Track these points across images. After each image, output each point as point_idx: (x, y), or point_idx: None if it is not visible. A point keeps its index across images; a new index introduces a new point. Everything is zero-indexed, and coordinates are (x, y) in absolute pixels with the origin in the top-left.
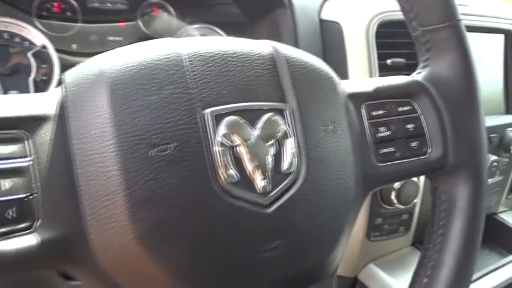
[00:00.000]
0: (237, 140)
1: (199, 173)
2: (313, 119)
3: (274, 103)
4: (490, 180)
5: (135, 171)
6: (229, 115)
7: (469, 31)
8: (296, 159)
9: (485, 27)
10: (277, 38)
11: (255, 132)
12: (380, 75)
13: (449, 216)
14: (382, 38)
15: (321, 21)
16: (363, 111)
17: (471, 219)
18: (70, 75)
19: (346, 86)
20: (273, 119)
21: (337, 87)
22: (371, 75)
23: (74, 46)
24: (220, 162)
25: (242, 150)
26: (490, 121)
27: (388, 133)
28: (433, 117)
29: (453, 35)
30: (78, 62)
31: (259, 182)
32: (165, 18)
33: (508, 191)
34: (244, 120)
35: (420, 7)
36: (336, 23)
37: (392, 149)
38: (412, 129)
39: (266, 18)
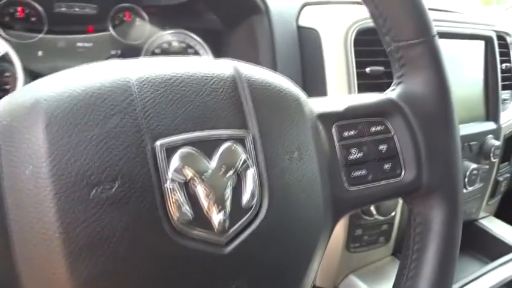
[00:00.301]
0: (190, 174)
1: (148, 213)
2: (276, 147)
3: (234, 131)
4: (470, 188)
5: (74, 214)
6: (183, 146)
7: (449, 38)
8: (257, 191)
9: (466, 33)
10: (254, 44)
11: (212, 164)
12: (359, 84)
13: (423, 240)
14: (360, 45)
15: (299, 27)
16: (334, 132)
17: (446, 244)
18: (3, 103)
19: (315, 106)
20: (232, 148)
21: (305, 109)
22: (349, 84)
23: (40, 53)
24: (172, 200)
25: (197, 185)
26: (470, 128)
27: (360, 155)
28: (406, 137)
29: (427, 52)
30: (44, 71)
31: (216, 219)
32: (138, 23)
33: (488, 197)
34: (199, 152)
35: (393, 22)
36: (314, 30)
37: (364, 172)
38: (385, 150)
39: (243, 25)
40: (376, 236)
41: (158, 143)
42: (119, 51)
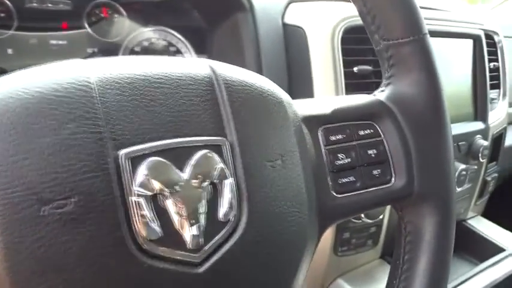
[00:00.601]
0: (159, 186)
1: (110, 232)
2: (257, 155)
3: (209, 137)
4: (459, 188)
5: (21, 236)
6: (151, 156)
7: (438, 36)
8: (235, 203)
9: (454, 32)
10: (238, 43)
11: (184, 175)
12: (346, 84)
13: (414, 250)
14: (348, 44)
15: (285, 25)
16: (320, 136)
17: (438, 255)
18: None
19: (300, 108)
20: (208, 156)
21: (288, 112)
22: (337, 83)
23: (10, 51)
24: (138, 216)
25: (167, 199)
26: (459, 128)
27: (347, 160)
28: (397, 141)
29: (418, 51)
30: (15, 70)
31: (189, 235)
32: (116, 20)
33: (476, 197)
34: (170, 162)
35: (382, 19)
36: (300, 27)
37: (352, 178)
38: (374, 155)
39: (226, 22)
40: (364, 239)
41: (122, 152)
42: (96, 50)
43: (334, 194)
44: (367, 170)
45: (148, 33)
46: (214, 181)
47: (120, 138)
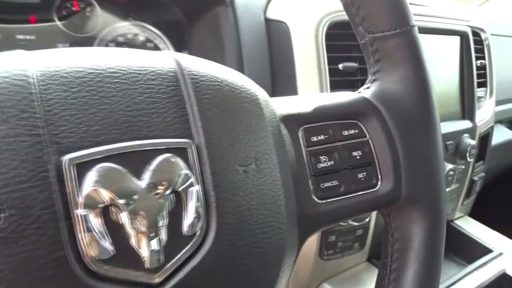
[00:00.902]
0: (111, 197)
1: (50, 253)
2: (228, 159)
3: (173, 140)
4: (447, 189)
5: None
6: (102, 162)
7: (424, 33)
8: (202, 214)
9: (441, 29)
10: (218, 38)
11: (142, 183)
12: (331, 81)
13: (402, 259)
14: (333, 40)
15: (267, 20)
16: (301, 137)
17: (427, 263)
18: None
19: (279, 107)
20: (170, 161)
21: (264, 111)
22: (321, 81)
23: None
24: (84, 232)
25: (120, 211)
26: (446, 127)
27: (330, 163)
28: (383, 142)
29: (405, 44)
30: None
31: (147, 253)
32: (88, 14)
33: (463, 197)
34: (125, 168)
35: (367, 10)
36: (283, 22)
37: (335, 183)
38: (359, 157)
39: (205, 17)
40: (350, 242)
41: (66, 158)
42: (67, 45)
43: (316, 199)
44: (352, 174)
45: (123, 28)
46: (178, 189)
47: (64, 142)
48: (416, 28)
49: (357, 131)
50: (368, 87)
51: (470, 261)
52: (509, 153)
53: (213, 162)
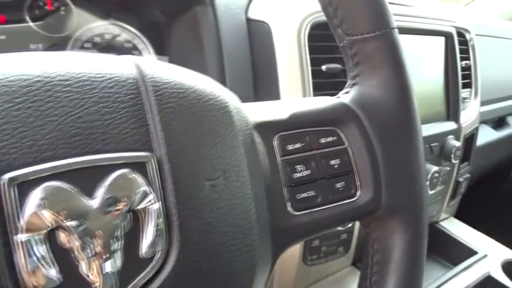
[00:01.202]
0: (57, 219)
1: None
2: (192, 173)
3: (130, 153)
4: (431, 191)
5: None
6: (47, 180)
7: (408, 33)
8: (164, 235)
9: (426, 29)
10: (198, 39)
11: (94, 203)
12: (314, 83)
13: (383, 271)
14: (316, 41)
15: (249, 20)
16: (275, 146)
17: (408, 276)
18: None
19: (252, 114)
20: (128, 176)
21: (235, 119)
22: (304, 83)
23: None
24: (26, 259)
25: (69, 235)
26: (431, 129)
27: (307, 172)
28: (362, 150)
29: (385, 47)
30: None
31: (99, 280)
32: (62, 13)
33: (449, 198)
34: (74, 187)
35: (346, 11)
36: (264, 23)
37: (312, 193)
38: (337, 166)
39: (185, 17)
40: (334, 247)
41: (6, 176)
42: (40, 46)
43: (292, 211)
44: (330, 183)
45: (100, 28)
46: (136, 208)
47: (5, 159)
48: (396, 30)
49: (335, 138)
50: (347, 92)
51: (455, 263)
52: (494, 154)
53: (176, 177)
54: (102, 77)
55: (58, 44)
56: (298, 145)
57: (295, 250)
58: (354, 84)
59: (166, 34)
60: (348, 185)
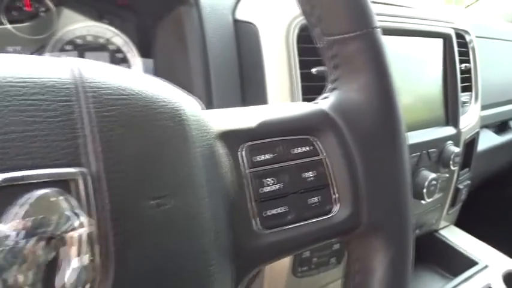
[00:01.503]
0: None
1: None
2: (134, 190)
3: (55, 170)
4: (429, 199)
5: None
6: None
7: (405, 35)
8: (97, 264)
9: (423, 31)
10: (182, 40)
11: (5, 229)
12: (303, 86)
13: None
14: (305, 43)
15: (236, 21)
16: (242, 157)
17: None
18: None
19: (216, 121)
20: (50, 197)
21: (190, 128)
22: (292, 86)
23: None
24: None
25: None
26: (429, 134)
27: (278, 186)
28: (341, 161)
29: (367, 48)
30: None
31: None
32: (42, 14)
33: (448, 206)
34: None
35: (323, 9)
36: (252, 24)
37: (283, 209)
38: (312, 178)
39: (169, 17)
40: (326, 258)
41: None
42: (18, 48)
43: (260, 229)
44: (303, 198)
45: (81, 30)
46: (60, 233)
47: None
48: (379, 30)
49: (310, 148)
50: (326, 97)
51: (455, 273)
52: (496, 159)
53: (114, 196)
54: (33, 82)
55: (37, 46)
56: (268, 156)
57: (284, 261)
58: (333, 89)
59: (151, 35)
60: (324, 200)
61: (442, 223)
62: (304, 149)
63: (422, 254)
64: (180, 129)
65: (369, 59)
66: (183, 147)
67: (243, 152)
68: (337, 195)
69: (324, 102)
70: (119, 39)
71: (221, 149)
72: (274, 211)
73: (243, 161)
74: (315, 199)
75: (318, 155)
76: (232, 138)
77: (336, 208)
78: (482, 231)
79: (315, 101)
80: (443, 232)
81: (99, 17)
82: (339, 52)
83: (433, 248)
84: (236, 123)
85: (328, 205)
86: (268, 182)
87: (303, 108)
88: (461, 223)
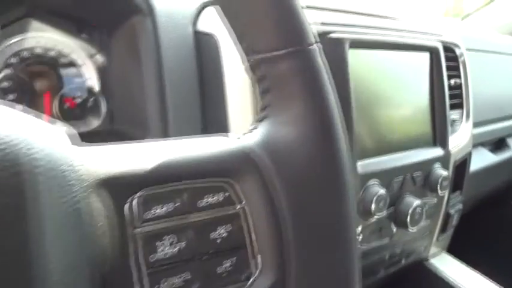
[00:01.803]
0: None
1: None
2: None
3: None
4: (413, 228)
5: None
6: None
7: (388, 48)
8: None
9: (407, 44)
10: (135, 52)
11: None
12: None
13: None
14: None
15: (196, 33)
16: (131, 210)
17: None
18: None
19: (99, 163)
20: None
21: (42, 180)
22: (255, 103)
23: None
24: None
25: None
26: (413, 156)
27: (177, 249)
28: (263, 213)
29: (300, 70)
30: None
31: None
32: None
33: (438, 232)
34: None
35: (248, 21)
36: (211, 35)
37: (186, 277)
38: (224, 236)
39: (122, 27)
40: None
41: None
42: None
43: None
44: (212, 263)
45: (29, 41)
46: None
47: None
48: (316, 48)
49: (225, 195)
50: (253, 129)
51: None
52: (492, 179)
53: None
54: None
55: None
56: (166, 208)
57: None
58: (262, 119)
59: (105, 46)
60: (239, 266)
61: (433, 249)
62: (216, 198)
63: (411, 285)
64: (14, 186)
65: (302, 83)
66: (28, 209)
67: (133, 205)
68: (257, 258)
69: (249, 137)
70: (71, 51)
71: (99, 203)
72: (173, 281)
73: (131, 216)
74: (227, 264)
75: (234, 206)
76: (120, 185)
77: (255, 275)
78: (477, 255)
79: (238, 136)
80: (433, 261)
81: (77, 31)
82: (267, 73)
83: (422, 280)
84: (127, 165)
85: (244, 271)
86: (165, 243)
87: (221, 145)
88: (454, 249)
